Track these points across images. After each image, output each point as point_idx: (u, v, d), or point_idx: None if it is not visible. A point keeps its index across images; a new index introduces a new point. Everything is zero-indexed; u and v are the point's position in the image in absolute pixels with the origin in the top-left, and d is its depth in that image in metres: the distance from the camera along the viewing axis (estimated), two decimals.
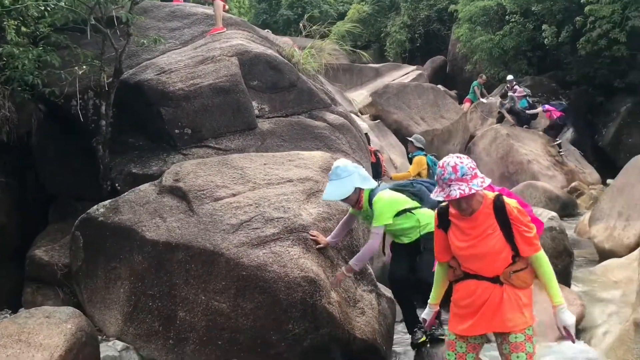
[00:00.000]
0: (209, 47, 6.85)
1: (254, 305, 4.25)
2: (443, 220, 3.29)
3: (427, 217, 4.45)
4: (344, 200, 4.34)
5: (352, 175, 4.26)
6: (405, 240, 4.48)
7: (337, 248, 4.81)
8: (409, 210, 4.41)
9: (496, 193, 3.15)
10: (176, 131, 6.06)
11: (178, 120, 6.08)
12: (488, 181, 3.02)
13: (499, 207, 3.07)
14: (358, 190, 4.30)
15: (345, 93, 16.65)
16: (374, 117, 15.24)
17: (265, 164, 5.45)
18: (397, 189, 4.52)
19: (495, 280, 3.11)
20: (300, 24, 8.56)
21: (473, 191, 2.94)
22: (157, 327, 4.55)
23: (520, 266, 3.11)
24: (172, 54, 6.92)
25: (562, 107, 15.31)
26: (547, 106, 15.39)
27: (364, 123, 13.48)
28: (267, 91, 6.86)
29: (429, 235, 4.41)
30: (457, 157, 3.06)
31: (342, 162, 4.38)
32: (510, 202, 3.10)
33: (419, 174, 8.41)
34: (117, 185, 5.93)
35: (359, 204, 4.37)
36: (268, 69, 6.89)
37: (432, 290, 3.53)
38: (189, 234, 4.63)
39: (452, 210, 3.20)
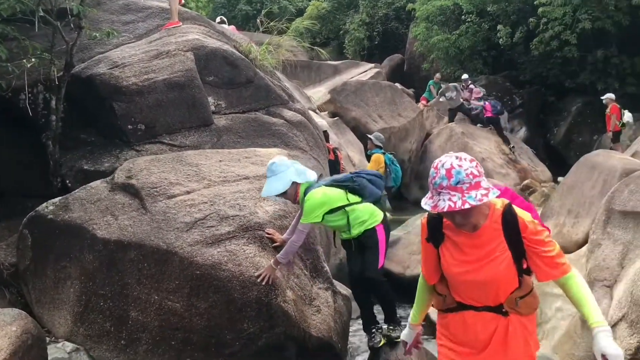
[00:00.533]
0: (164, 42, 6.73)
1: (208, 305, 4.20)
2: (434, 232, 2.57)
3: (365, 213, 4.38)
4: (282, 196, 4.26)
5: (288, 169, 4.21)
6: (345, 236, 4.44)
7: None
8: (343, 207, 4.32)
9: (506, 202, 2.47)
10: (129, 127, 5.93)
11: (131, 115, 5.95)
12: (495, 193, 2.32)
13: (510, 222, 2.42)
14: (295, 185, 4.24)
15: (303, 90, 16.61)
16: (333, 115, 15.28)
17: (220, 160, 5.38)
18: (335, 184, 4.41)
19: (498, 309, 2.50)
20: (258, 20, 8.48)
21: (467, 206, 2.26)
22: (109, 328, 4.44)
23: (527, 290, 2.50)
24: (126, 48, 6.77)
25: (496, 111, 15.67)
26: (487, 103, 15.78)
27: (323, 120, 13.51)
28: (224, 87, 6.78)
29: (368, 232, 4.37)
30: (457, 157, 2.35)
31: (277, 159, 4.33)
32: (524, 216, 2.44)
33: None
34: (67, 182, 5.77)
35: (296, 199, 4.31)
36: (224, 65, 6.81)
37: (413, 307, 2.88)
38: (141, 232, 4.54)
39: (447, 220, 2.51)
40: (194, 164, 5.25)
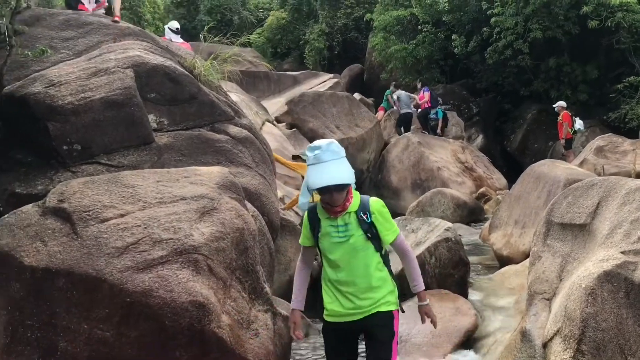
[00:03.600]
0: (104, 59, 6.55)
1: (138, 333, 4.07)
2: None
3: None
4: (335, 192, 3.08)
5: (345, 157, 3.19)
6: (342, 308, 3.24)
7: (231, 268, 4.70)
8: None
9: None
10: (64, 147, 5.75)
11: (66, 135, 5.76)
12: None
13: None
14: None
15: (262, 101, 16.56)
16: (290, 126, 15.25)
17: (158, 181, 5.25)
18: None
19: None
20: (201, 35, 8.36)
21: None
22: None
23: None
24: (64, 66, 6.57)
25: (435, 102, 16.09)
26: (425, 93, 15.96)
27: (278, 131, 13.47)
28: (166, 104, 6.63)
29: (383, 315, 3.20)
30: None
31: (334, 140, 3.23)
32: None
33: None
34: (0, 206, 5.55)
35: (346, 204, 3.17)
36: (167, 81, 6.67)
37: None
38: (70, 259, 4.38)
39: None
40: (130, 185, 5.10)
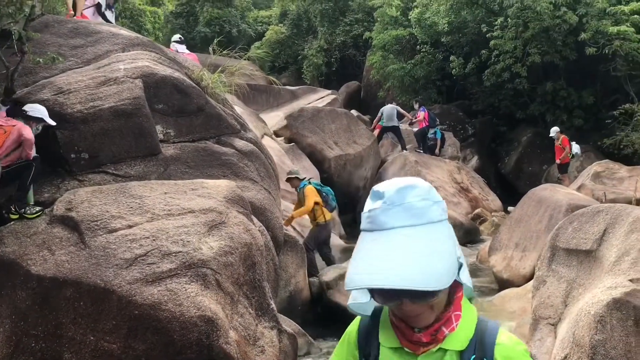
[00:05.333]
0: (112, 68, 6.55)
1: (146, 347, 4.04)
2: None
3: None
4: (410, 298, 1.35)
5: (444, 221, 1.41)
6: None
7: (239, 283, 4.68)
8: None
9: None
10: (72, 155, 5.72)
11: (74, 144, 5.74)
12: None
13: None
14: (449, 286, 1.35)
15: (261, 114, 16.58)
16: (289, 140, 15.25)
17: (166, 192, 5.24)
18: None
19: None
20: (210, 48, 8.38)
21: None
22: None
23: None
24: (73, 74, 6.56)
25: (432, 123, 16.24)
26: (422, 113, 16.17)
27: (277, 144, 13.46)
28: (174, 115, 6.63)
29: None
30: None
31: (419, 182, 1.43)
32: None
33: (316, 203, 8.41)
34: (4, 212, 5.49)
35: (435, 329, 1.40)
36: (175, 92, 6.67)
37: None
38: (78, 269, 4.35)
39: None
40: (138, 196, 5.09)
